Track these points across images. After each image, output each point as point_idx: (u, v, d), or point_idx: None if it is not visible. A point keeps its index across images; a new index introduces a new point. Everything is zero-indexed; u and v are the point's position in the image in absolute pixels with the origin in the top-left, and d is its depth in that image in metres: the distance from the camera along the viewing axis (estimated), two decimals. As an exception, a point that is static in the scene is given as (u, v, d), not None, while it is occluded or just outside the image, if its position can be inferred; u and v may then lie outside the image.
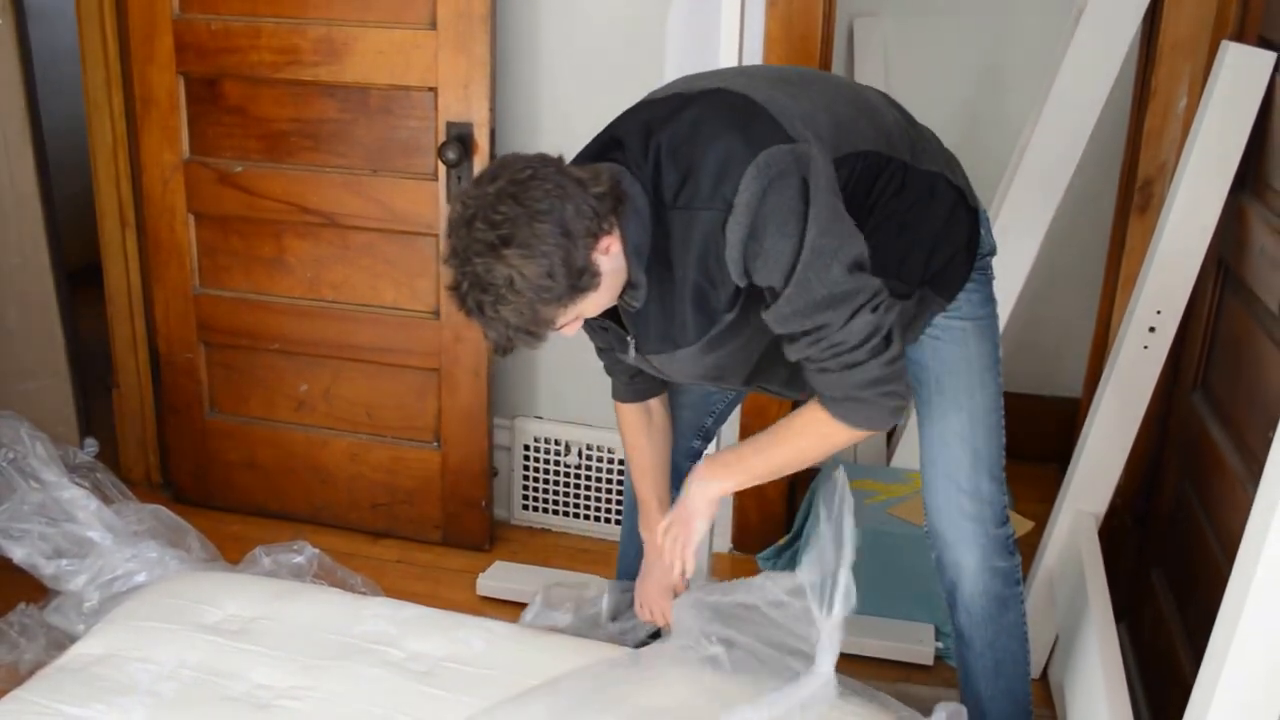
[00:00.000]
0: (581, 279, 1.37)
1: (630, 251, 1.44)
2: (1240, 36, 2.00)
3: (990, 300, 1.68)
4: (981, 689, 1.77)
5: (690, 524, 1.64)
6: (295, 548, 2.47)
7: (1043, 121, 2.32)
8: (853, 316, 1.41)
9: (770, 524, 2.67)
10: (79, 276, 3.08)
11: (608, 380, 2.67)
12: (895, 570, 2.35)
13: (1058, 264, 2.86)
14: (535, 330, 1.39)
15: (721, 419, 1.96)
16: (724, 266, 1.41)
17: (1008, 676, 1.77)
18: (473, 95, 2.40)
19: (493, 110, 2.41)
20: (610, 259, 1.41)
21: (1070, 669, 1.97)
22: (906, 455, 2.69)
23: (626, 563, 2.04)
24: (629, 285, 1.47)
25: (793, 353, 1.47)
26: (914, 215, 1.55)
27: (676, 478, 1.84)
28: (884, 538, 2.38)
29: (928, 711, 1.61)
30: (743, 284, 1.42)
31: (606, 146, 1.50)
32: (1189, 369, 2.09)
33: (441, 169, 2.45)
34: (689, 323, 1.49)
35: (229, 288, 2.69)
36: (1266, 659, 1.19)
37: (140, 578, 2.21)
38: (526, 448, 2.77)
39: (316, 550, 2.46)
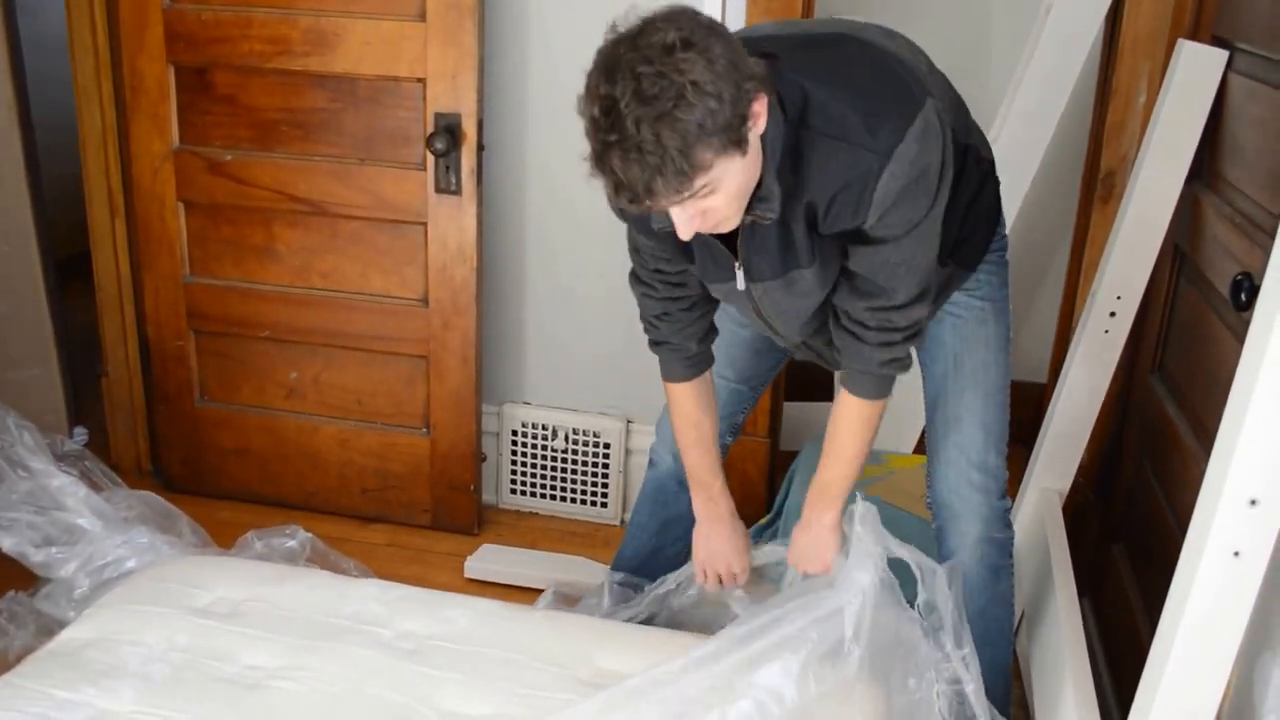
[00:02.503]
0: (740, 128, 1.27)
1: (767, 148, 1.38)
2: (1195, 35, 2.09)
3: (1007, 283, 1.76)
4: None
5: (825, 556, 1.75)
6: (288, 532, 2.49)
7: (1011, 116, 2.41)
8: (914, 301, 1.50)
9: (753, 504, 2.74)
10: (68, 265, 3.10)
11: (593, 367, 2.77)
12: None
13: (1024, 253, 2.94)
14: (686, 170, 1.25)
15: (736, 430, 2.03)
16: (861, 207, 1.40)
17: (994, 645, 1.83)
18: (461, 86, 2.45)
19: (480, 101, 2.46)
20: (756, 130, 1.33)
21: (1035, 642, 2.05)
22: (881, 437, 2.76)
23: (634, 548, 2.06)
24: (758, 197, 1.40)
25: (848, 305, 1.53)
26: (956, 190, 1.58)
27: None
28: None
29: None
30: (866, 226, 1.43)
31: (803, 43, 1.47)
32: (1147, 352, 2.18)
33: (430, 159, 2.51)
34: (802, 246, 1.48)
35: (219, 276, 2.73)
36: (1214, 630, 1.26)
37: (130, 564, 2.21)
38: (514, 433, 2.83)
39: (310, 535, 2.49)
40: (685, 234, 1.37)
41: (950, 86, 1.62)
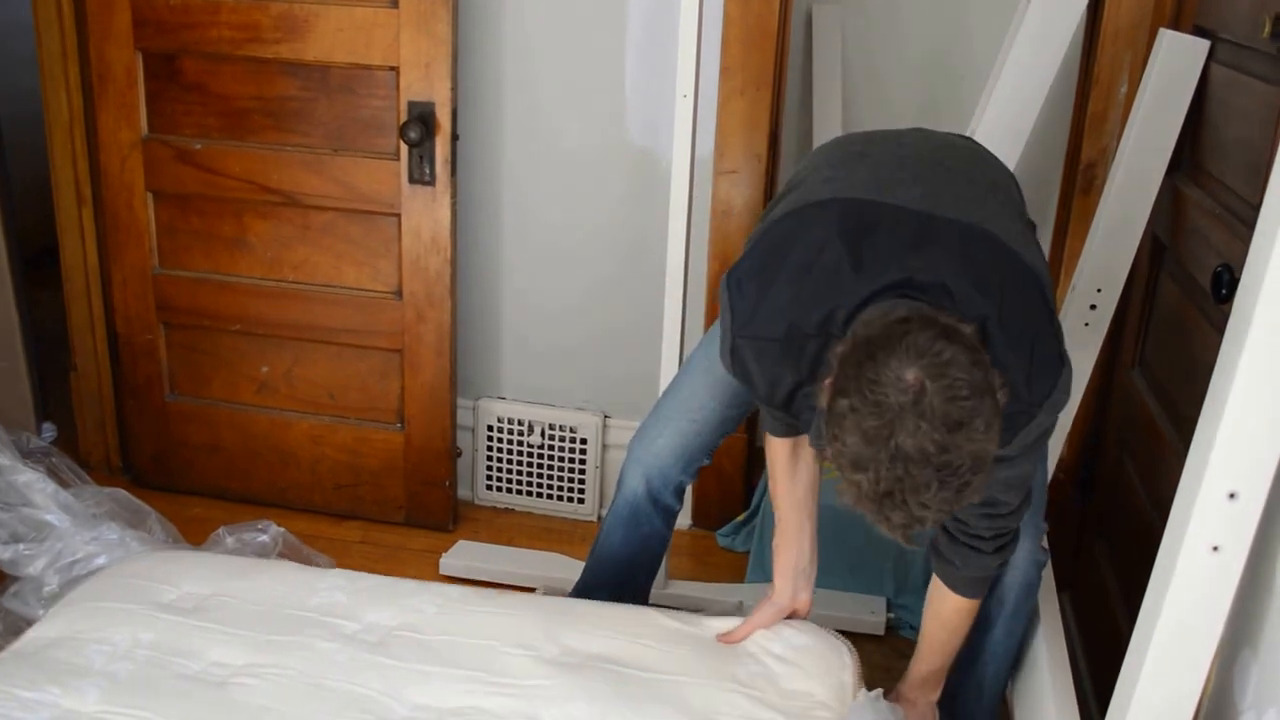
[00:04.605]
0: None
1: None
2: (1177, 25, 2.07)
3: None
4: (990, 671, 1.81)
5: None
6: (260, 527, 2.46)
7: (991, 105, 2.38)
8: (1023, 504, 1.51)
9: (729, 501, 2.72)
10: (35, 260, 3.05)
11: (570, 361, 2.74)
12: (849, 544, 2.41)
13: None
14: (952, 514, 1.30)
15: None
16: (1004, 440, 1.35)
17: (1010, 660, 1.83)
18: (434, 75, 2.41)
19: (454, 90, 2.43)
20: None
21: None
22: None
23: (605, 577, 1.99)
24: None
25: (965, 520, 1.52)
26: None
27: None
28: (838, 512, 2.43)
29: (879, 679, 1.69)
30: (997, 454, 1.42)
31: (960, 250, 1.39)
32: (1128, 345, 2.16)
33: (404, 149, 2.47)
34: None
35: (189, 268, 2.68)
36: (1193, 626, 1.25)
37: (100, 560, 2.19)
38: (490, 428, 2.80)
39: (282, 530, 2.46)
40: None
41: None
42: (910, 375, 1.19)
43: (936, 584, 1.65)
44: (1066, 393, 1.42)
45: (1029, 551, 1.72)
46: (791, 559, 1.77)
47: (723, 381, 1.82)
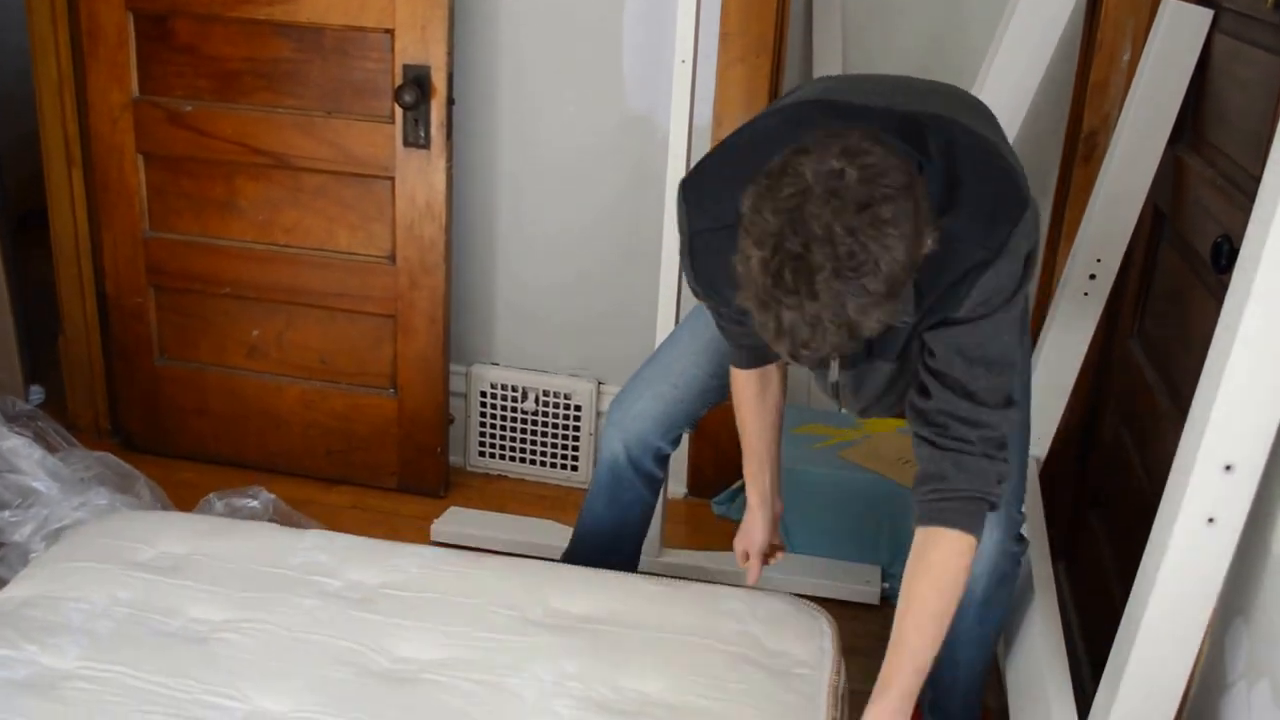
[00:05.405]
0: (909, 280, 1.21)
1: None
2: (1182, -7, 2.04)
3: (1029, 297, 1.68)
4: (963, 656, 1.77)
5: None
6: (250, 493, 2.46)
7: (993, 73, 2.36)
8: (1008, 405, 1.41)
9: (724, 469, 2.72)
10: (23, 220, 3.02)
11: (564, 327, 2.72)
12: (844, 513, 2.42)
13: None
14: (858, 338, 1.19)
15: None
16: (959, 299, 1.35)
17: (987, 646, 1.80)
18: (430, 38, 2.38)
19: (450, 53, 2.39)
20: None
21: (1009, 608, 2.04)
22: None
23: (591, 544, 1.98)
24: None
25: (944, 412, 1.40)
26: None
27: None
28: (834, 481, 2.45)
29: (873, 648, 1.68)
30: (959, 316, 1.37)
31: (908, 125, 1.35)
32: (1127, 315, 2.15)
33: (398, 112, 2.44)
34: (895, 340, 1.43)
35: (179, 231, 2.66)
36: (1187, 597, 1.25)
37: (86, 525, 2.18)
38: (483, 394, 2.79)
39: (272, 496, 2.46)
40: (813, 365, 1.32)
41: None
42: (833, 161, 1.16)
43: (917, 548, 1.43)
44: (1030, 238, 1.37)
45: (998, 541, 1.65)
46: (766, 483, 1.78)
47: (708, 349, 1.82)
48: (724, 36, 2.42)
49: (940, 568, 1.42)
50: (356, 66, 2.46)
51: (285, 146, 2.53)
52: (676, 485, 2.73)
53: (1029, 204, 1.37)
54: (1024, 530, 1.76)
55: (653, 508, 2.00)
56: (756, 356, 1.65)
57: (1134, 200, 2.03)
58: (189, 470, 2.72)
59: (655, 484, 1.96)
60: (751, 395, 1.72)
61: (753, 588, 1.79)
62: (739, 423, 1.77)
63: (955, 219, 1.30)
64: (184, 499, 2.43)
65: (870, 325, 1.19)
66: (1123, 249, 2.07)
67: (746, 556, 1.85)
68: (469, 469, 2.85)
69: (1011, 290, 1.38)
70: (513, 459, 2.82)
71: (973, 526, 1.42)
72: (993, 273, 1.34)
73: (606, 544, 1.97)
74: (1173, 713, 1.30)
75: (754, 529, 1.83)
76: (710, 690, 1.50)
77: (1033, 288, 1.60)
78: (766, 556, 1.85)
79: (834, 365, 1.52)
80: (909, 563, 1.44)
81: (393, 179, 2.50)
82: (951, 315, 1.37)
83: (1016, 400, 1.46)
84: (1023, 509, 1.73)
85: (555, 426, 2.78)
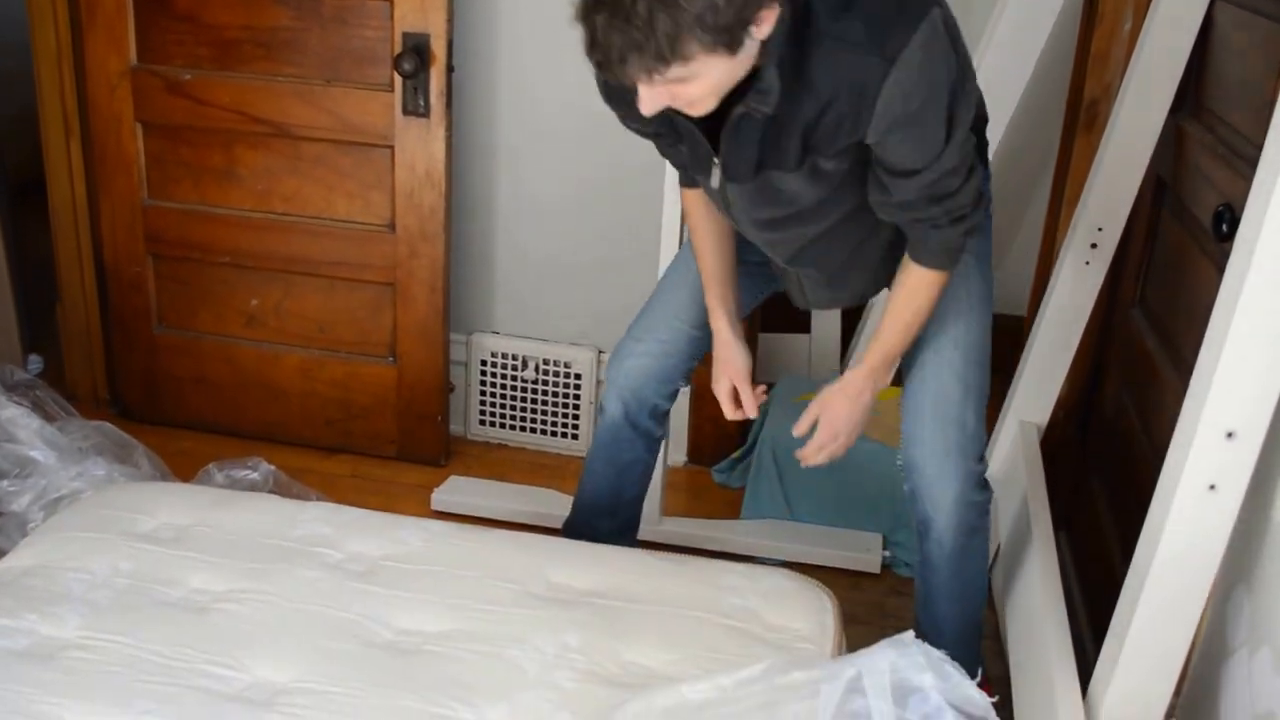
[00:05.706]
0: (739, 31, 1.24)
1: (772, 45, 1.32)
2: (1186, -40, 2.02)
3: (990, 235, 1.71)
4: (942, 612, 1.81)
5: (853, 433, 1.69)
6: (250, 464, 2.46)
7: (994, 42, 2.35)
8: (969, 177, 1.45)
9: (724, 438, 2.72)
10: (22, 189, 3.00)
11: (564, 297, 2.72)
12: (844, 481, 2.42)
13: (1006, 183, 2.90)
14: (666, 56, 1.21)
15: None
16: (862, 118, 1.36)
17: (967, 600, 1.81)
18: (429, 5, 2.36)
19: (450, 21, 2.37)
20: (758, 34, 1.28)
21: (1011, 576, 2.05)
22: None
23: (592, 492, 1.99)
24: (757, 89, 1.36)
25: (902, 216, 1.50)
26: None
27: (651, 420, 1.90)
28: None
29: (874, 617, 1.69)
30: (870, 142, 1.39)
31: None
32: (1128, 284, 2.15)
33: (398, 80, 2.42)
34: (791, 151, 1.43)
35: (178, 199, 2.64)
36: (1188, 564, 1.26)
37: (87, 496, 2.18)
38: (483, 363, 2.79)
39: (272, 467, 2.45)
40: (647, 110, 1.32)
41: None
42: None
43: (904, 262, 1.60)
44: (938, 63, 1.35)
45: (957, 494, 1.68)
46: (732, 306, 1.76)
47: (689, 302, 1.82)
48: None
49: (916, 286, 1.59)
50: (355, 34, 2.44)
51: (284, 115, 2.51)
52: (677, 453, 2.74)
53: (928, 12, 1.34)
54: (989, 478, 1.76)
55: (651, 468, 2.01)
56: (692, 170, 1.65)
57: (1135, 169, 2.02)
58: (187, 439, 2.73)
59: (653, 443, 1.97)
60: (702, 215, 1.71)
61: (754, 563, 1.77)
62: (695, 249, 1.77)
63: (840, 22, 1.33)
64: (182, 468, 2.43)
65: (685, 49, 1.21)
66: (1124, 218, 2.06)
67: (734, 398, 1.79)
68: (469, 438, 2.85)
69: (945, 125, 1.39)
70: (513, 427, 2.83)
71: (943, 265, 1.57)
72: (893, 86, 1.34)
73: (607, 505, 1.98)
74: (1174, 680, 1.32)
75: (733, 356, 1.76)
76: (712, 664, 1.49)
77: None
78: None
79: (715, 171, 1.51)
80: (894, 284, 1.64)
81: (392, 147, 2.48)
82: (872, 145, 1.40)
83: (976, 167, 1.49)
84: (984, 460, 1.73)
85: (555, 395, 2.78)
